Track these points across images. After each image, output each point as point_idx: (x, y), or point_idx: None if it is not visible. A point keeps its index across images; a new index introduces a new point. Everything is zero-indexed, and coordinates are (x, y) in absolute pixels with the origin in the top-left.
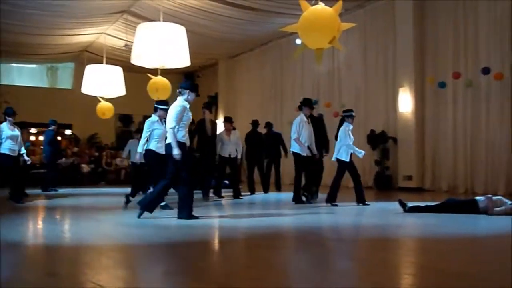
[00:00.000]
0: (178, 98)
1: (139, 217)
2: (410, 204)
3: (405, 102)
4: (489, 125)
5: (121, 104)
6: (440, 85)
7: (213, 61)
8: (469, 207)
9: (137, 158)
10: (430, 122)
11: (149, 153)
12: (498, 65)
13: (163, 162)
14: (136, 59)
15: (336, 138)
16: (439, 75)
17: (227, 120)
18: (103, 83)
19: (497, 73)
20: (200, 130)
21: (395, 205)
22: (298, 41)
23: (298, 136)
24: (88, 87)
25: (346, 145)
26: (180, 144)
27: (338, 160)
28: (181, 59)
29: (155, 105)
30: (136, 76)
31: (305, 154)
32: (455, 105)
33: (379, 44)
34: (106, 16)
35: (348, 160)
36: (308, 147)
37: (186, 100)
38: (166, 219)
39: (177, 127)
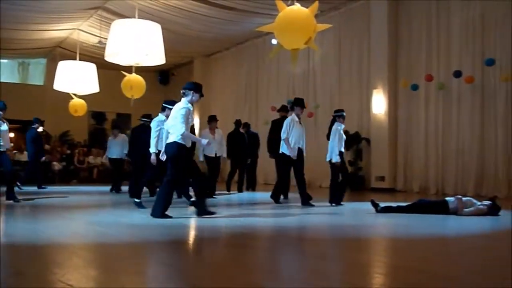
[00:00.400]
0: (182, 99)
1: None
2: (382, 204)
3: (379, 104)
4: (459, 127)
5: (94, 101)
6: (413, 87)
7: (189, 60)
8: (440, 207)
9: (152, 158)
10: (402, 123)
11: (158, 154)
12: (469, 69)
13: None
14: (110, 56)
15: (328, 138)
16: (412, 77)
17: (213, 119)
18: (76, 80)
19: (468, 76)
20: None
21: (368, 206)
22: (274, 41)
23: (288, 137)
24: (61, 84)
25: (334, 146)
26: (181, 146)
27: (331, 161)
28: (156, 57)
29: (164, 105)
30: (110, 73)
31: (292, 155)
32: (427, 107)
33: (354, 46)
34: (80, 12)
35: (336, 160)
36: (299, 148)
37: (190, 101)
38: (140, 218)
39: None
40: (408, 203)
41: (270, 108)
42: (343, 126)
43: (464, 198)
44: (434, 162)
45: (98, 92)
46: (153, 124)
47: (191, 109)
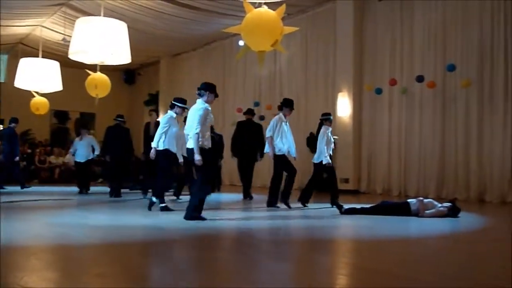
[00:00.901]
0: (198, 100)
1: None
2: (346, 206)
3: (344, 107)
4: (422, 131)
5: (57, 100)
6: (377, 91)
7: (155, 59)
8: (402, 209)
9: (152, 154)
10: (367, 126)
11: (163, 151)
12: (431, 74)
13: (174, 162)
14: (74, 54)
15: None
16: (377, 81)
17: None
18: (38, 78)
19: (430, 81)
20: (145, 132)
21: (332, 207)
22: (241, 43)
23: (272, 135)
24: (22, 81)
25: (321, 147)
26: (202, 151)
27: (317, 164)
28: (122, 56)
29: (173, 102)
30: (74, 71)
31: (281, 153)
32: (391, 111)
33: (320, 49)
34: (43, 8)
35: (326, 161)
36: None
37: (206, 101)
38: (102, 220)
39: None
40: (372, 205)
41: (236, 109)
42: (330, 129)
43: (425, 200)
44: (397, 165)
45: (61, 91)
46: (162, 120)
47: (209, 108)
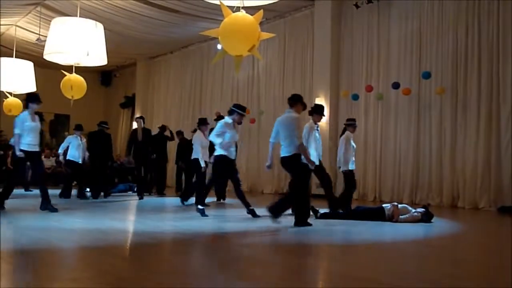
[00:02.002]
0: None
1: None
2: (322, 210)
3: None
4: (397, 137)
5: None
6: (353, 97)
7: (132, 61)
8: (377, 214)
9: (211, 159)
10: None
11: (220, 158)
12: (407, 81)
13: (232, 168)
14: (49, 55)
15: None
16: (353, 87)
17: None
18: (12, 78)
19: (405, 88)
20: (133, 138)
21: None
22: (219, 47)
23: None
24: None
25: (341, 153)
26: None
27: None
28: (98, 58)
29: (233, 108)
30: (49, 72)
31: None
32: (367, 117)
33: (297, 54)
34: (18, 7)
35: (352, 168)
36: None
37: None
38: (75, 223)
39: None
40: (347, 210)
41: (215, 113)
42: (352, 135)
43: (399, 205)
44: (372, 170)
45: (35, 92)
46: (218, 125)
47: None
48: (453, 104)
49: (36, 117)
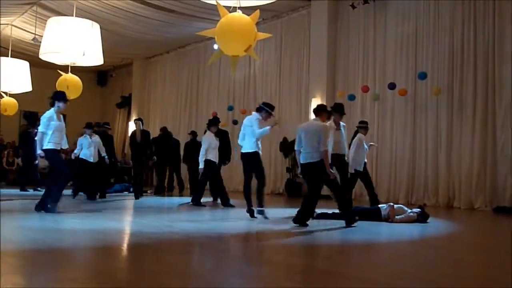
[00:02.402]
0: (254, 113)
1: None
2: (318, 211)
3: None
4: (393, 137)
5: (26, 101)
6: (349, 97)
7: (128, 61)
8: (373, 214)
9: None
10: None
11: (252, 153)
12: (403, 82)
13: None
14: (45, 55)
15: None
16: (349, 88)
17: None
18: (7, 78)
19: (402, 89)
20: (132, 139)
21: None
22: (215, 47)
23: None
24: None
25: (352, 154)
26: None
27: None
28: (94, 57)
29: (262, 105)
30: (45, 72)
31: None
32: (363, 117)
33: (294, 55)
34: (14, 7)
35: (361, 169)
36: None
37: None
38: (71, 223)
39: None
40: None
41: (211, 113)
42: (364, 137)
43: (395, 206)
44: (368, 170)
45: (31, 91)
46: (253, 121)
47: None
48: (449, 104)
49: (61, 116)
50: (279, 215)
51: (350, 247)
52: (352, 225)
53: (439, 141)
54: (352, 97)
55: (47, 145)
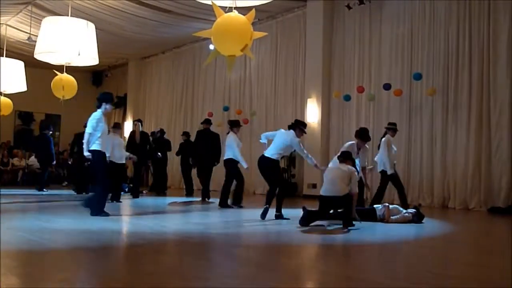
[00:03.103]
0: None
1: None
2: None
3: (312, 113)
4: None
5: (21, 101)
6: (345, 98)
7: (123, 61)
8: (368, 215)
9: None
10: (335, 132)
11: (274, 161)
12: (398, 82)
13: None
14: (40, 54)
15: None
16: (345, 88)
17: (118, 126)
18: (2, 78)
19: (397, 89)
20: (131, 139)
21: (299, 212)
22: (211, 47)
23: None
24: None
25: (383, 157)
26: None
27: (381, 171)
28: (89, 57)
29: (296, 123)
30: (39, 71)
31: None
32: (359, 117)
33: (289, 55)
34: (8, 6)
35: (393, 171)
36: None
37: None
38: (66, 223)
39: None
40: (339, 210)
41: (207, 113)
42: (392, 138)
43: (391, 206)
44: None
45: (26, 91)
46: (284, 135)
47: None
48: (444, 105)
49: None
50: (273, 215)
51: (345, 247)
52: (351, 227)
53: (434, 141)
54: (347, 98)
55: (93, 146)
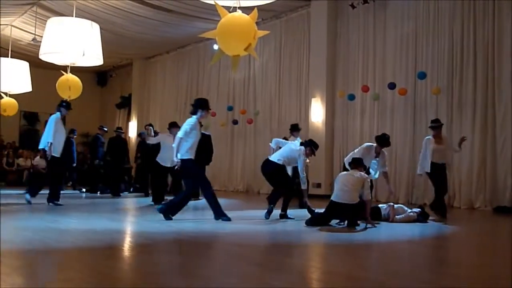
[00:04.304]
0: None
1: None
2: (318, 210)
3: (317, 112)
4: (392, 137)
5: (26, 101)
6: (349, 97)
7: (128, 61)
8: (373, 214)
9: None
10: (339, 132)
11: (279, 166)
12: (403, 81)
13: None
14: (45, 55)
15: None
16: (349, 88)
17: (174, 126)
18: (7, 78)
19: (401, 88)
20: (142, 143)
21: (304, 212)
22: (215, 47)
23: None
24: None
25: (423, 157)
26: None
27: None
28: (94, 57)
29: (309, 143)
30: (44, 72)
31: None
32: (363, 117)
33: (294, 55)
34: (13, 7)
35: (430, 170)
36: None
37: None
38: (69, 223)
39: None
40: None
41: (211, 113)
42: (431, 137)
43: (395, 205)
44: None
45: (31, 92)
46: (292, 145)
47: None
48: (448, 104)
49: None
50: (278, 215)
51: (349, 246)
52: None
53: None
54: (352, 97)
55: (186, 155)
